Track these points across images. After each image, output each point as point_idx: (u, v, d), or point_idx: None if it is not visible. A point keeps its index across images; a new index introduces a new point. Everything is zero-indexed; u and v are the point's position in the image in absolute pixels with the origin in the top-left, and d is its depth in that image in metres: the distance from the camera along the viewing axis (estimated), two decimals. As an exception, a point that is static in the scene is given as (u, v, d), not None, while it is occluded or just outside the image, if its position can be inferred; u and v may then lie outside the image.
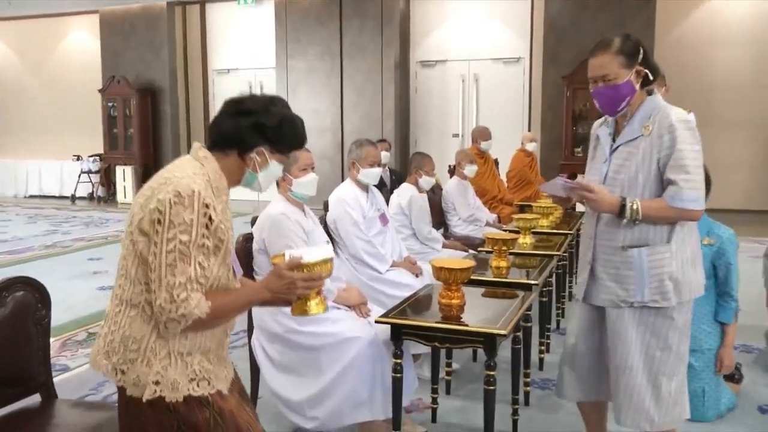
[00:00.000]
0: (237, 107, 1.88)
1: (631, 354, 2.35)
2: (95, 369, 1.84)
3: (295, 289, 1.82)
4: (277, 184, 3.17)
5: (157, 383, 1.73)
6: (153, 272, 1.69)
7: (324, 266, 1.87)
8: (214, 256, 1.77)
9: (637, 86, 2.31)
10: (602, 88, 2.32)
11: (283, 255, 1.92)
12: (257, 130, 1.86)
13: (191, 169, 1.78)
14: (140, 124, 12.22)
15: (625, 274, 2.34)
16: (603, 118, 2.52)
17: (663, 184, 2.28)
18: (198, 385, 1.78)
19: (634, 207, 2.26)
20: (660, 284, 2.29)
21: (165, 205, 1.68)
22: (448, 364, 3.66)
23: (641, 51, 2.31)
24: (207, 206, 1.72)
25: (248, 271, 3.03)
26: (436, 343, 2.69)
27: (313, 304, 1.90)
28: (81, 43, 13.49)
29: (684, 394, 2.43)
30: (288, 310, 3.06)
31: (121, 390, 1.79)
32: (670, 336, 2.34)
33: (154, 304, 1.70)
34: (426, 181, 4.77)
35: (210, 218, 1.72)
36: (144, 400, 1.73)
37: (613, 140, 2.42)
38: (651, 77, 2.31)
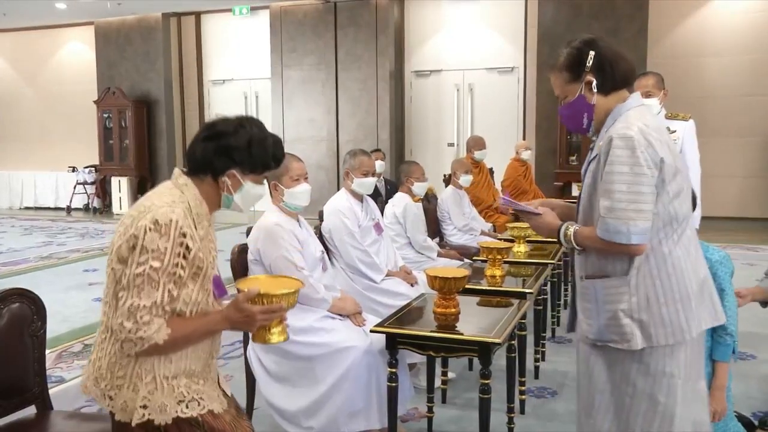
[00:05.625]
0: (208, 131, 1.89)
1: (597, 397, 2.01)
2: (85, 393, 1.86)
3: (253, 321, 1.78)
4: (271, 194, 3.19)
5: (144, 407, 1.76)
6: (121, 290, 1.72)
7: (285, 298, 1.80)
8: (192, 282, 1.80)
9: (593, 99, 2.00)
10: (561, 108, 2.11)
11: (248, 280, 1.91)
12: (225, 153, 1.85)
13: (170, 197, 1.80)
14: (136, 135, 12.22)
15: (586, 306, 2.04)
16: None
17: None
18: (187, 407, 1.80)
19: (568, 233, 2.01)
20: (615, 322, 1.94)
21: (141, 232, 1.72)
22: (444, 373, 3.65)
23: (590, 56, 1.98)
24: (184, 235, 1.74)
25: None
26: (431, 352, 2.69)
27: (275, 333, 1.85)
28: (76, 54, 13.50)
29: None
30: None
31: (111, 415, 1.82)
32: (640, 382, 1.95)
33: (114, 323, 1.72)
34: (419, 187, 4.71)
35: (187, 248, 1.75)
36: (133, 424, 1.75)
37: None
38: (597, 83, 1.98)
